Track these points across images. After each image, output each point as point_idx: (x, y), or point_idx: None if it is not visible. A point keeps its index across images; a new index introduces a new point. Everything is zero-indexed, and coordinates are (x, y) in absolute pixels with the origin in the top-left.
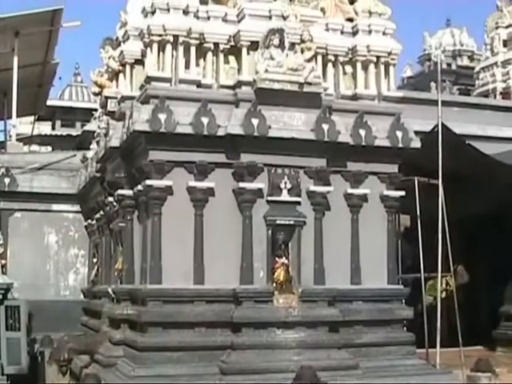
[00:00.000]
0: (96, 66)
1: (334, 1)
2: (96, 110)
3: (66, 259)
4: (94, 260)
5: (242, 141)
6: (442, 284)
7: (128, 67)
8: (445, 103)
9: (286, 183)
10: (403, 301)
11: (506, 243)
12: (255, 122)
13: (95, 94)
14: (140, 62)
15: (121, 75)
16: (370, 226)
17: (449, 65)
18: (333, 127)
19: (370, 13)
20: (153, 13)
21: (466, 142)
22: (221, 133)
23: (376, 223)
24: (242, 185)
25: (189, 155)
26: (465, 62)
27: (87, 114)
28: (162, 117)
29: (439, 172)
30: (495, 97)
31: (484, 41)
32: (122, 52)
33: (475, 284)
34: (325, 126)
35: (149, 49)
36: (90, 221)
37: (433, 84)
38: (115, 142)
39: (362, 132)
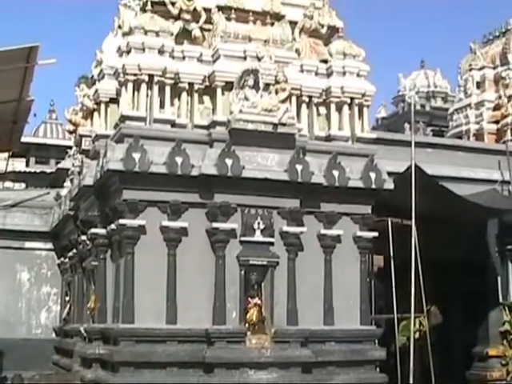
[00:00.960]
0: (71, 103)
1: (309, 42)
2: (70, 147)
3: (38, 297)
4: (67, 298)
5: (215, 181)
6: (415, 324)
7: (103, 106)
8: (418, 144)
9: (259, 223)
10: (376, 341)
11: (478, 284)
12: (229, 162)
13: (70, 132)
14: (115, 100)
15: (95, 113)
16: (343, 267)
17: (423, 106)
18: (306, 168)
19: (345, 54)
20: (128, 52)
21: (440, 183)
22: (195, 173)
23: (349, 264)
24: (215, 225)
25: (162, 195)
26: (439, 103)
27: (61, 152)
28: (136, 156)
29: (412, 213)
30: (469, 138)
31: (458, 82)
32: (96, 90)
33: (448, 324)
34: (298, 167)
35: (124, 88)
36: (62, 259)
37: (407, 125)
38: (89, 181)
39: (336, 173)
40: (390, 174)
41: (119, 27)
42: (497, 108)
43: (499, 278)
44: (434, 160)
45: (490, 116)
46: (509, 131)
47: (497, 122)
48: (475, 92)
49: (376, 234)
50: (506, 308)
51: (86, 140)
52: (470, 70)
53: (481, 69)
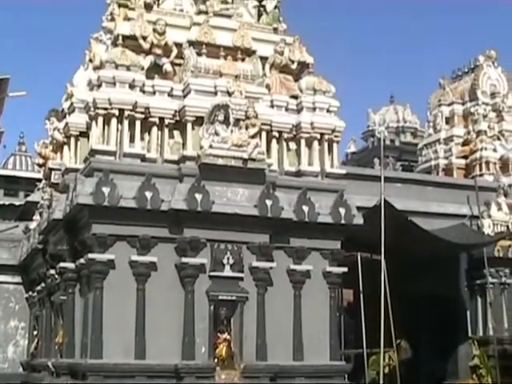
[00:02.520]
0: (41, 137)
1: (279, 78)
2: (40, 180)
3: (5, 331)
4: (35, 332)
5: (185, 216)
6: (384, 359)
7: (73, 139)
8: (388, 179)
9: (228, 258)
10: (346, 376)
11: (448, 318)
12: (199, 197)
13: (39, 166)
14: (85, 134)
15: (65, 147)
16: (312, 302)
17: (392, 141)
18: (276, 203)
19: (315, 90)
20: (99, 86)
21: (409, 217)
22: (164, 207)
23: (318, 299)
24: (184, 260)
25: (132, 229)
26: (408, 138)
27: (31, 184)
28: (106, 190)
29: (381, 248)
30: (438, 173)
31: (427, 118)
32: (67, 124)
33: (418, 359)
34: (268, 202)
35: (94, 122)
36: (31, 293)
37: (376, 160)
38: (58, 215)
39: (305, 208)
40: (359, 208)
41: (90, 61)
42: (466, 143)
43: (468, 313)
44: (403, 195)
45: (459, 151)
46: (477, 166)
47: (466, 157)
48: (444, 127)
49: (345, 269)
50: (476, 342)
51: (56, 173)
52: (440, 105)
53: (450, 104)
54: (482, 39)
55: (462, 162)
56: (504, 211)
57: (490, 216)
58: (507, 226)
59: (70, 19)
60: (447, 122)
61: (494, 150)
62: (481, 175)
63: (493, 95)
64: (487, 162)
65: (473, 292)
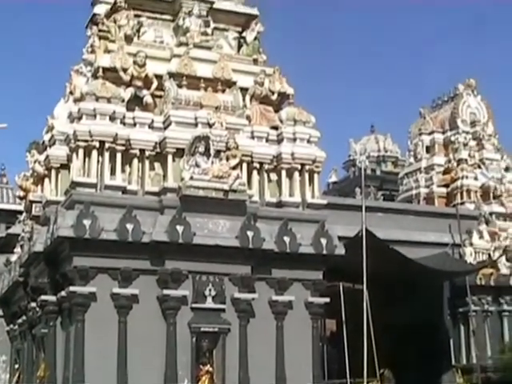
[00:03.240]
0: (21, 169)
1: (260, 109)
2: (21, 212)
3: None
4: (16, 366)
5: (166, 248)
6: None
7: (53, 172)
8: (369, 209)
9: (210, 290)
10: None
11: (431, 347)
12: (180, 229)
13: (20, 198)
14: (66, 166)
15: (46, 179)
16: (294, 333)
17: (373, 170)
18: (257, 234)
19: (295, 121)
20: (79, 118)
21: (390, 246)
22: (145, 239)
23: (301, 330)
24: (166, 292)
25: (113, 261)
26: (389, 167)
27: (12, 216)
28: (87, 223)
29: (364, 277)
30: (419, 202)
31: (408, 147)
32: (47, 156)
33: None
34: (249, 233)
35: (75, 154)
36: (12, 326)
37: (358, 189)
38: (39, 247)
39: (287, 239)
40: (341, 238)
41: (71, 93)
42: (446, 172)
43: (452, 341)
44: (384, 224)
45: (440, 180)
46: (459, 194)
47: (447, 186)
48: (425, 156)
49: (328, 299)
50: (459, 370)
51: (37, 206)
52: (420, 134)
53: (430, 133)
54: (462, 68)
55: (443, 190)
56: (485, 239)
57: (471, 244)
58: (489, 254)
59: (51, 51)
60: (428, 151)
61: (475, 179)
62: (462, 203)
63: (473, 123)
64: (468, 191)
65: (456, 320)
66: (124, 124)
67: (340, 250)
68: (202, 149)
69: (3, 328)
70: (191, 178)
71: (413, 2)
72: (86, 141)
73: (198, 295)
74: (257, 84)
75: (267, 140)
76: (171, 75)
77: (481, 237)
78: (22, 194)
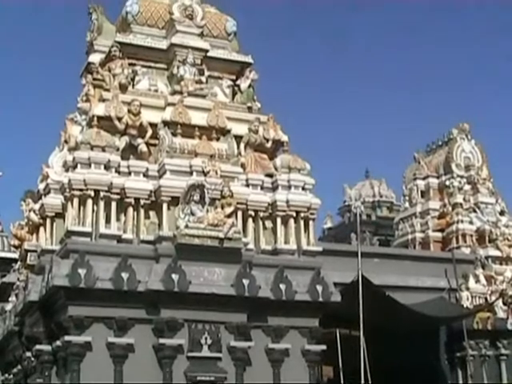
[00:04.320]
0: (16, 218)
1: (254, 156)
2: (16, 261)
3: None
4: None
5: (162, 296)
6: None
7: (48, 220)
8: (365, 254)
9: (206, 339)
10: None
11: None
12: (175, 277)
13: (15, 247)
14: (61, 215)
15: (41, 228)
16: (291, 380)
17: (368, 216)
18: (253, 282)
19: (290, 168)
20: (74, 167)
21: (386, 292)
22: (141, 288)
23: (298, 377)
24: (162, 341)
25: (108, 311)
26: (384, 212)
27: (6, 264)
28: (82, 272)
29: (360, 324)
30: (414, 247)
31: (402, 192)
32: (42, 205)
33: None
34: (245, 281)
35: (69, 203)
36: (7, 375)
37: (353, 235)
38: (34, 296)
39: (283, 287)
40: (337, 284)
41: (65, 142)
42: (442, 216)
43: None
44: (380, 269)
45: (436, 224)
46: (454, 239)
47: (442, 230)
48: (420, 201)
49: (324, 346)
50: None
51: (32, 255)
52: (415, 179)
53: (425, 178)
54: (455, 112)
55: (439, 235)
56: (482, 283)
57: (468, 288)
58: (485, 298)
59: (45, 100)
60: (423, 196)
61: (471, 223)
62: (458, 248)
63: (467, 168)
64: (464, 235)
65: (453, 364)
66: (119, 173)
67: (336, 297)
68: (196, 197)
69: None
70: (186, 227)
71: (404, 46)
72: (81, 189)
73: (194, 344)
74: (251, 132)
75: (262, 187)
76: (166, 123)
77: (477, 281)
78: (16, 242)
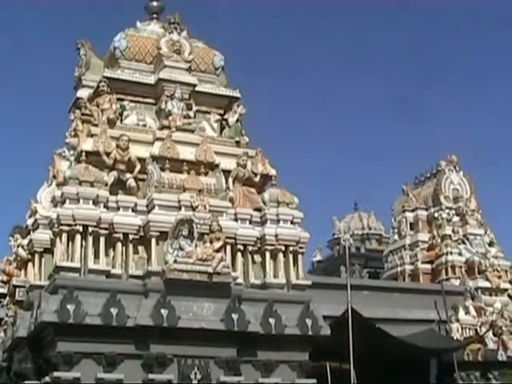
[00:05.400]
0: (5, 253)
1: (243, 191)
2: (4, 296)
3: None
4: None
5: (151, 332)
6: None
7: (37, 256)
8: (354, 287)
9: (196, 374)
10: None
11: None
12: (164, 312)
13: (3, 282)
14: (49, 250)
15: (30, 264)
16: None
17: (358, 248)
18: (242, 317)
19: (278, 202)
20: (63, 202)
21: (377, 326)
22: (130, 324)
23: None
24: (151, 376)
25: (97, 346)
26: (373, 245)
27: None
28: (71, 307)
29: (350, 357)
30: (404, 279)
31: (391, 224)
32: (31, 240)
33: None
34: (234, 316)
35: (58, 238)
36: None
37: (343, 268)
38: (23, 332)
39: (272, 321)
40: (327, 317)
41: (54, 177)
42: (431, 248)
43: None
44: (370, 302)
45: (425, 256)
46: (444, 270)
47: (431, 262)
48: (409, 233)
49: (314, 380)
50: None
51: (20, 290)
52: (404, 211)
53: (414, 210)
54: (444, 144)
55: (428, 266)
56: (472, 314)
57: (458, 320)
58: (476, 330)
59: (34, 135)
60: (412, 228)
61: (460, 254)
62: (447, 279)
63: (456, 199)
64: (453, 266)
65: None
66: (107, 208)
67: (325, 331)
68: (185, 232)
69: None
70: (175, 262)
71: (391, 79)
72: (70, 225)
73: (184, 379)
74: (239, 166)
75: (251, 222)
76: (154, 158)
77: (467, 312)
78: (5, 278)
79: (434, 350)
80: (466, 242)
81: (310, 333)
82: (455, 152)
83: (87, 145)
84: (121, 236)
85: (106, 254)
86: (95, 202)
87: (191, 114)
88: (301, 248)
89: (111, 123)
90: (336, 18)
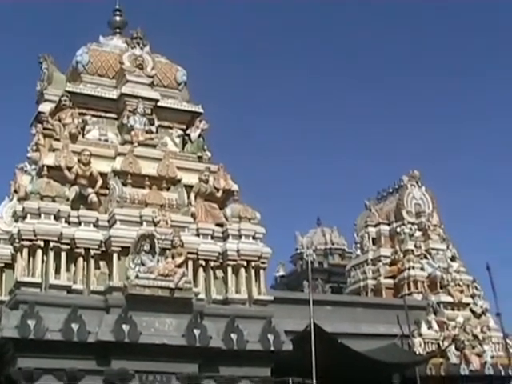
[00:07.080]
0: None
1: (205, 206)
2: None
3: None
4: None
5: (112, 347)
6: None
7: None
8: (317, 302)
9: None
10: None
11: None
12: (126, 328)
13: None
14: (10, 265)
15: None
16: None
17: (320, 263)
18: (204, 332)
19: (240, 218)
20: (24, 217)
21: (339, 340)
22: (91, 339)
23: None
24: None
25: (59, 362)
26: (336, 260)
27: None
28: (31, 323)
29: (313, 372)
30: (367, 294)
31: (354, 239)
32: None
33: None
34: (196, 332)
35: (19, 253)
36: None
37: (305, 283)
38: None
39: (234, 336)
40: (289, 332)
41: (15, 192)
42: (393, 263)
43: None
44: (333, 317)
45: (387, 271)
46: (406, 285)
47: (394, 277)
48: (371, 248)
49: None
50: None
51: None
52: (366, 226)
53: (376, 225)
54: (406, 159)
55: (391, 281)
56: (434, 329)
57: (420, 335)
58: (438, 344)
59: None
60: (374, 243)
61: (422, 269)
62: (409, 294)
63: (418, 214)
64: (415, 281)
65: None
66: (69, 223)
67: (287, 346)
68: (147, 247)
69: None
70: (137, 277)
71: (354, 93)
72: (31, 240)
73: None
74: (201, 181)
75: (212, 237)
76: (116, 173)
77: (429, 327)
78: None
79: (397, 365)
80: (429, 256)
81: (272, 348)
82: (417, 167)
83: (49, 159)
84: (82, 251)
85: (68, 270)
86: (57, 217)
87: (153, 129)
88: (263, 263)
89: (73, 138)
90: (291, 31)
